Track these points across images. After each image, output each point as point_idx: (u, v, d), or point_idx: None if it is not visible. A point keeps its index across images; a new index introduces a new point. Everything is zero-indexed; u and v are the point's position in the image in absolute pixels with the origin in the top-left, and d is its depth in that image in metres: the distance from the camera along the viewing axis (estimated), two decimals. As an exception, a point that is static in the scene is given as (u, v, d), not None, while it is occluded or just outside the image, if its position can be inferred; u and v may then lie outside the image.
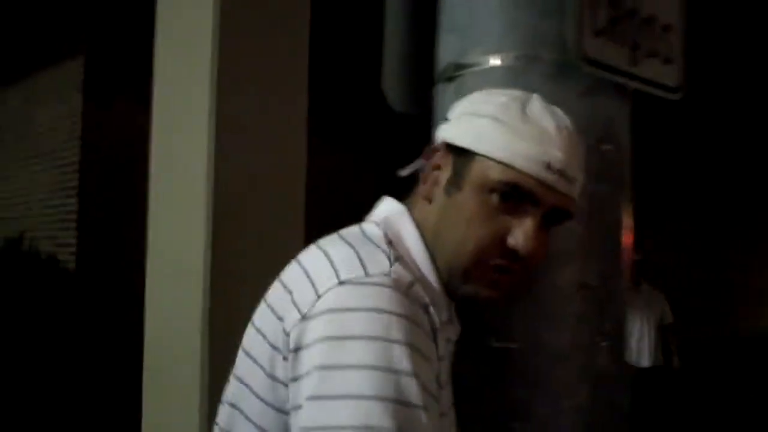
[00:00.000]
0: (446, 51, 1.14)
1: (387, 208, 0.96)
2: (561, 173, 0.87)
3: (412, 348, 0.78)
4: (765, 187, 9.54)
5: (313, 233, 0.99)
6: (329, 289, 0.81)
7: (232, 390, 0.92)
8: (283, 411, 0.83)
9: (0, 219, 6.95)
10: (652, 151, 8.54)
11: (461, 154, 0.91)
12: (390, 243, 0.88)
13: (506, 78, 1.05)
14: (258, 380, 0.86)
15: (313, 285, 0.83)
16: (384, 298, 0.79)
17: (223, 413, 0.93)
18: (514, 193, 0.87)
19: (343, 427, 0.74)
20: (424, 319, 0.82)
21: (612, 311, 1.08)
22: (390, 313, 0.78)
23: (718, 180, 9.25)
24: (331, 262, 0.84)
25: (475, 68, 1.08)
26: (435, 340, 0.84)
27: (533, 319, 1.02)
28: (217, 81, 2.11)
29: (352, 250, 0.85)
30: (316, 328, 0.80)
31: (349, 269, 0.82)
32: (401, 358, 0.77)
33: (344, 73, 5.73)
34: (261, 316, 0.90)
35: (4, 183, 7.10)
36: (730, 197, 9.46)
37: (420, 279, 0.87)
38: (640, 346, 5.50)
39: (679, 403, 6.04)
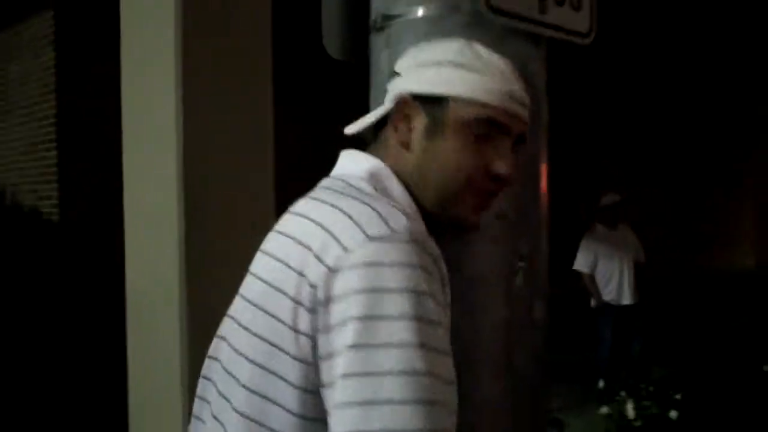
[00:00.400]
0: (377, 2, 1.24)
1: (363, 162, 1.02)
2: (521, 102, 1.00)
3: (435, 299, 0.87)
4: (741, 123, 9.66)
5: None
6: (359, 245, 0.87)
7: (242, 344, 0.95)
8: (306, 362, 0.88)
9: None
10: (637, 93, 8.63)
11: (432, 102, 1.00)
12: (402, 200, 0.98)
13: (428, 27, 1.15)
14: (278, 333, 0.90)
15: (337, 240, 0.88)
16: (411, 252, 0.87)
17: (229, 363, 0.96)
18: (490, 127, 0.98)
19: (389, 372, 0.81)
20: (437, 271, 0.90)
21: (529, 236, 1.21)
22: (417, 266, 0.86)
23: (696, 119, 9.37)
24: (352, 219, 0.89)
25: (401, 18, 1.18)
26: (444, 288, 0.92)
27: (452, 246, 1.14)
28: (182, 34, 2.18)
29: (368, 207, 0.91)
30: (348, 281, 0.85)
31: (375, 226, 0.88)
32: (432, 309, 0.86)
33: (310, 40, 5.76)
34: (269, 270, 0.94)
35: (-19, 138, 7.12)
36: (709, 138, 9.60)
37: None
38: (621, 284, 5.64)
39: (656, 337, 6.25)
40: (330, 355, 0.85)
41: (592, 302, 5.76)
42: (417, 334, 0.83)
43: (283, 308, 0.90)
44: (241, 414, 0.92)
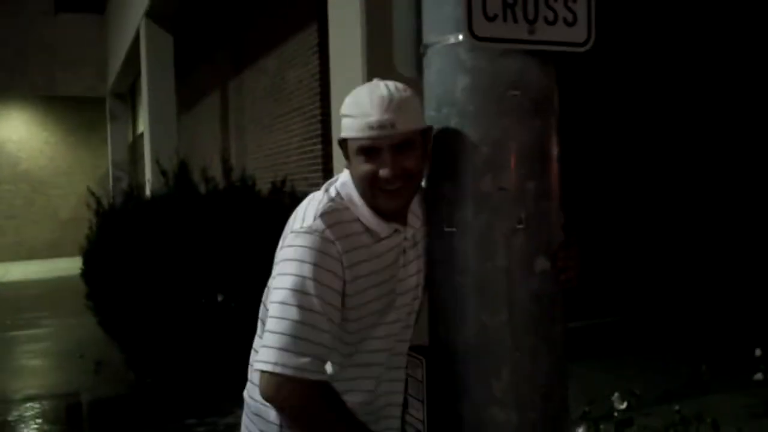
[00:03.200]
0: (424, 30, 1.68)
1: (344, 178, 1.62)
2: (380, 126, 1.49)
3: (322, 269, 1.48)
4: None
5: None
6: (294, 231, 1.53)
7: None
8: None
9: (267, 167, 8.37)
10: None
11: (343, 141, 1.58)
12: (342, 199, 1.56)
13: (443, 53, 1.58)
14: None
15: (291, 226, 1.57)
16: (313, 241, 1.49)
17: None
18: (368, 149, 1.51)
19: (278, 302, 1.49)
20: (335, 252, 1.50)
21: (528, 204, 1.57)
22: (313, 249, 1.48)
23: None
24: (301, 216, 1.56)
25: (430, 47, 1.61)
26: (341, 261, 1.50)
27: (456, 215, 1.56)
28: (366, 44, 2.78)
29: (312, 210, 1.55)
30: (282, 251, 1.56)
31: (304, 221, 1.53)
32: (311, 280, 1.47)
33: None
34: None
35: (269, 136, 8.50)
36: None
37: (358, 217, 1.56)
38: None
39: None
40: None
41: None
42: (296, 283, 1.49)
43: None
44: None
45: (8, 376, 6.86)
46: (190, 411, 5.39)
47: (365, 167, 1.53)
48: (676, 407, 2.79)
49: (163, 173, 6.57)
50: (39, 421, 5.49)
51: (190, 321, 6.06)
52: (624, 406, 2.57)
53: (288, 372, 1.44)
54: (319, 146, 7.02)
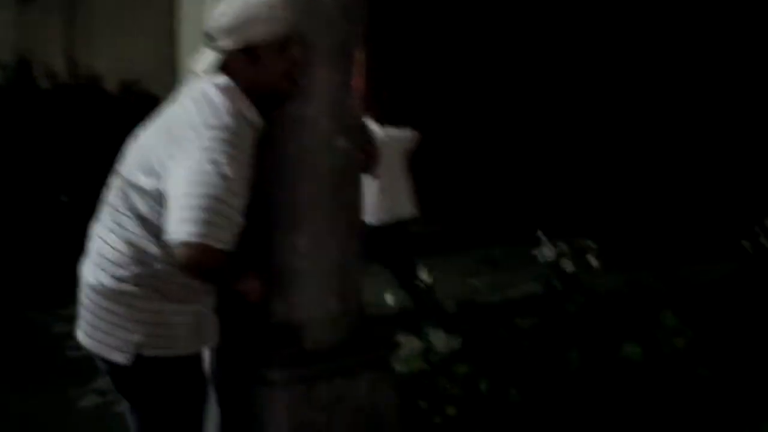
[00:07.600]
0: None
1: (222, 82, 1.71)
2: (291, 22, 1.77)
3: (235, 158, 1.63)
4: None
5: None
6: (205, 125, 1.67)
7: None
8: None
9: (117, 66, 8.09)
10: None
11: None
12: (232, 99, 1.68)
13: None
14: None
15: None
16: (224, 134, 1.63)
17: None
18: (285, 44, 1.75)
19: (196, 181, 1.60)
20: (245, 145, 1.67)
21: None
22: (224, 140, 1.63)
23: None
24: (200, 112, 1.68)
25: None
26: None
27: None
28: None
29: (210, 107, 1.67)
30: None
31: (215, 120, 1.65)
32: (228, 160, 1.61)
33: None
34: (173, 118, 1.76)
35: (119, 33, 8.17)
36: None
37: (245, 115, 1.70)
38: None
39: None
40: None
41: None
42: (215, 173, 1.61)
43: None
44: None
45: None
46: (32, 304, 5.45)
47: (287, 61, 1.74)
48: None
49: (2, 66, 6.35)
50: None
51: (32, 218, 6.01)
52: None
53: (211, 243, 1.57)
54: (170, 46, 6.92)
